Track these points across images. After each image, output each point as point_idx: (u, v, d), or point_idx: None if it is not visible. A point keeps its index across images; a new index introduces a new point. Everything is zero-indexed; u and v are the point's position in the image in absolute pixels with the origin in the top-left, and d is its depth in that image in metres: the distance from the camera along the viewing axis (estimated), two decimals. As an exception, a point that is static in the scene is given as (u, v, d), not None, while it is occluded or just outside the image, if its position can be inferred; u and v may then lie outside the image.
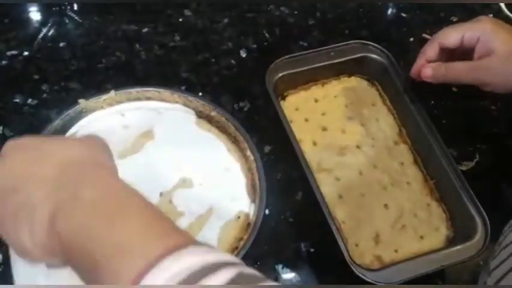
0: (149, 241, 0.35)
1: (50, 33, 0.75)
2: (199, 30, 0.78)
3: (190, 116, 0.65)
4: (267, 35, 0.79)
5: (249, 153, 0.61)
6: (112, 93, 0.63)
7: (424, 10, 0.85)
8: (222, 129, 0.64)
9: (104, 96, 0.63)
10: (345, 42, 0.72)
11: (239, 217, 0.58)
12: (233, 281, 0.32)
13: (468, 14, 0.85)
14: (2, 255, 0.57)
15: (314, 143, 0.67)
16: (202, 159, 0.61)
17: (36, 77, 0.70)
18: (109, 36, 0.76)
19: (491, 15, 0.85)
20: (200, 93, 0.70)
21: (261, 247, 0.59)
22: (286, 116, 0.66)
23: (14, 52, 0.72)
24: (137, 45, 0.75)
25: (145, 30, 0.77)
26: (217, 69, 0.74)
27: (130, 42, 0.75)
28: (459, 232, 0.62)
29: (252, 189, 0.60)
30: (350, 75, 0.74)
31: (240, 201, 0.59)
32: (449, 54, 0.64)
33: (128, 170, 0.59)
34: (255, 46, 0.77)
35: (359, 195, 0.64)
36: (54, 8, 0.77)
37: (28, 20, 0.77)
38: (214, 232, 0.56)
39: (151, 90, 0.65)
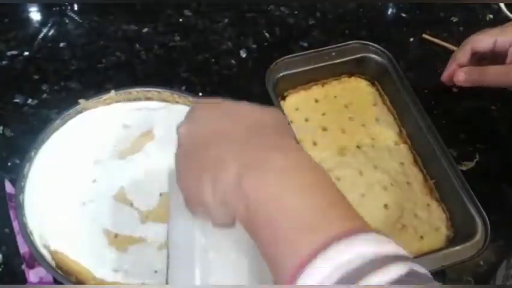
0: (331, 220, 0.35)
1: (50, 33, 0.75)
2: (199, 30, 0.78)
3: (190, 116, 0.65)
4: (267, 35, 0.79)
5: (249, 153, 0.61)
6: (112, 93, 0.63)
7: (424, 10, 0.85)
8: (222, 129, 0.64)
9: (104, 96, 0.63)
10: (345, 43, 0.72)
11: (239, 217, 0.58)
12: (402, 279, 0.31)
13: (468, 14, 0.85)
14: (2, 255, 0.57)
15: (314, 143, 0.67)
16: (202, 159, 0.61)
17: (36, 77, 0.70)
18: (109, 36, 0.76)
19: (492, 15, 0.85)
20: (200, 93, 0.70)
21: (261, 247, 0.59)
22: (286, 116, 0.66)
23: (14, 52, 0.72)
24: (137, 45, 0.75)
25: (145, 30, 0.77)
26: (217, 69, 0.74)
27: (130, 42, 0.75)
28: (459, 232, 0.62)
29: (252, 189, 0.60)
30: (350, 75, 0.74)
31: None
32: (480, 59, 0.65)
33: (128, 170, 0.60)
34: (255, 46, 0.77)
35: (359, 195, 0.64)
36: (54, 8, 0.77)
37: (28, 20, 0.77)
38: (214, 232, 0.56)
39: (151, 90, 0.65)
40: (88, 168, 0.59)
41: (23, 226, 0.53)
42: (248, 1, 0.82)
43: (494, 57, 0.64)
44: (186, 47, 0.76)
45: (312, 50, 0.71)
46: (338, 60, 0.72)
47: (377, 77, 0.74)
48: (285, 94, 0.71)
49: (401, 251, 0.35)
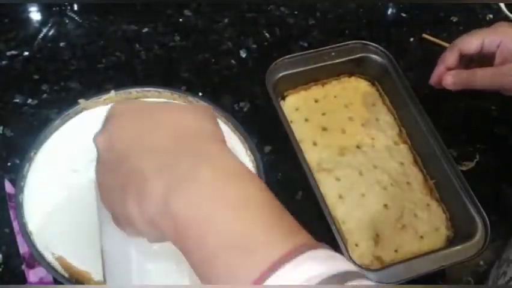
0: (272, 239, 0.32)
1: (50, 33, 0.75)
2: (199, 30, 0.78)
3: (190, 116, 0.65)
4: (267, 35, 0.79)
5: (249, 153, 0.61)
6: (112, 93, 0.63)
7: (424, 10, 0.85)
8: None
9: (104, 96, 0.63)
10: (345, 43, 0.72)
11: (239, 217, 0.58)
12: None
13: (468, 14, 0.85)
14: (2, 255, 0.57)
15: (314, 143, 0.67)
16: (202, 159, 0.61)
17: (36, 77, 0.70)
18: (109, 36, 0.76)
19: (491, 15, 0.85)
20: (200, 93, 0.70)
21: (261, 247, 0.59)
22: (286, 116, 0.66)
23: (14, 52, 0.72)
24: (137, 45, 0.75)
25: (145, 30, 0.77)
26: (217, 69, 0.74)
27: (130, 42, 0.75)
28: (459, 232, 0.62)
29: (252, 189, 0.60)
30: (350, 75, 0.74)
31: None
32: (468, 61, 0.64)
33: (128, 170, 0.60)
34: (255, 46, 0.77)
35: (359, 195, 0.64)
36: (54, 8, 0.77)
37: (28, 20, 0.77)
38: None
39: (151, 90, 0.65)
40: (87, 169, 0.59)
41: (23, 226, 0.53)
42: (248, 1, 0.82)
43: (482, 59, 0.63)
44: (186, 47, 0.76)
45: (312, 50, 0.71)
46: (338, 60, 0.72)
47: (377, 77, 0.74)
48: (285, 94, 0.71)
49: (352, 267, 0.32)
